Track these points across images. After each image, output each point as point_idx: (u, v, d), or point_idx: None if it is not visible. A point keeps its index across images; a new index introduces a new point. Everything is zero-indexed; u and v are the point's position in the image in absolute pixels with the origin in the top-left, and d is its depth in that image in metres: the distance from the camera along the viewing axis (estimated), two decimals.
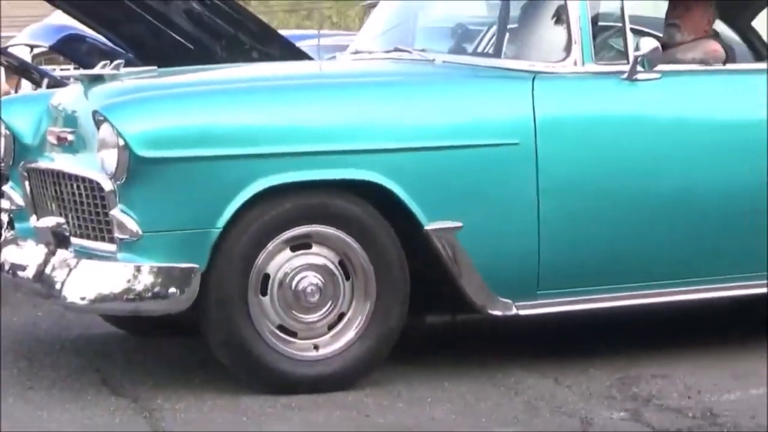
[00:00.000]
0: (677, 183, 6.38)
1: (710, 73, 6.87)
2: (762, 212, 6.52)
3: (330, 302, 5.98)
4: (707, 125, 6.57)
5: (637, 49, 6.34)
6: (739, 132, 6.56)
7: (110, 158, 5.74)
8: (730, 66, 7.13)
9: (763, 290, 6.68)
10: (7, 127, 6.81)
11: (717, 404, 5.73)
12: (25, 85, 11.73)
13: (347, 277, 6.00)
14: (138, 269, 5.75)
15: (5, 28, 23.45)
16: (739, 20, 7.85)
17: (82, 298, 5.84)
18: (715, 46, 7.07)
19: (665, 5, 7.55)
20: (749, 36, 7.82)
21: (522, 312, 6.22)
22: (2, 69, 12.24)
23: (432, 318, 6.74)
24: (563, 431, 5.34)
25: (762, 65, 7.26)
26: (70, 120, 6.33)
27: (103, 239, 5.97)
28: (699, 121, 6.58)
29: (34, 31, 12.47)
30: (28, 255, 6.37)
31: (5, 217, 6.84)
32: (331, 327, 6.00)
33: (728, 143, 6.51)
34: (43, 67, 11.37)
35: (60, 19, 12.67)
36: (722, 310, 7.40)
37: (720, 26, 7.80)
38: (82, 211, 6.12)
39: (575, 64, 6.35)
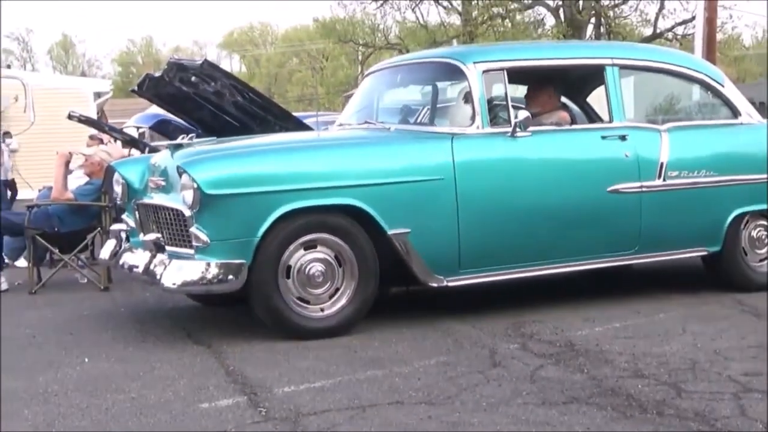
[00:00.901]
0: (542, 198, 6.38)
1: (563, 131, 6.89)
2: (595, 217, 6.57)
3: (330, 281, 5.97)
4: (561, 163, 6.59)
5: (516, 117, 6.37)
6: (580, 166, 6.59)
7: (188, 195, 5.76)
8: (574, 126, 7.17)
9: (598, 265, 6.73)
10: (123, 178, 6.81)
11: (574, 338, 5.75)
12: (135, 152, 11.68)
13: (340, 265, 5.99)
14: (208, 265, 5.75)
15: (122, 117, 23.37)
16: (578, 97, 7.87)
17: (174, 284, 5.83)
18: (564, 114, 7.11)
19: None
20: (585, 107, 7.84)
21: (450, 284, 6.22)
22: (120, 142, 12.23)
23: (394, 289, 6.74)
24: (478, 357, 5.36)
25: (594, 126, 7.28)
26: (163, 172, 6.32)
27: (185, 246, 5.95)
28: (556, 161, 6.58)
29: (139, 118, 12.48)
30: (139, 258, 6.35)
31: (124, 235, 6.81)
32: (331, 297, 5.98)
33: (574, 174, 6.54)
34: (145, 140, 11.33)
35: (155, 109, 12.61)
36: (576, 277, 7.43)
37: (565, 100, 7.85)
38: (172, 229, 6.11)
39: (478, 127, 6.35)
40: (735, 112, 7.27)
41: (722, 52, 27.23)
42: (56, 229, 8.60)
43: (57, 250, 8.57)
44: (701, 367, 4.95)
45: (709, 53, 17.62)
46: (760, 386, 4.56)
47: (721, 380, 4.70)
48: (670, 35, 30.89)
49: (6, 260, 9.11)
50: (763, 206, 7.08)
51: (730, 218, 6.95)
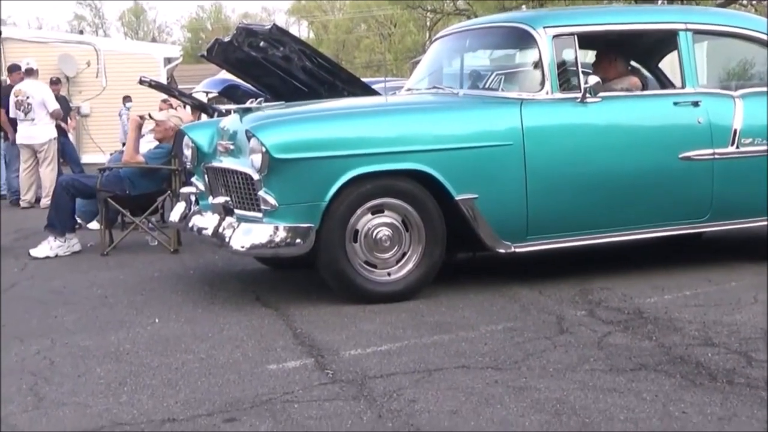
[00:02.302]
0: (613, 165, 6.32)
1: (633, 97, 6.81)
2: (666, 184, 6.49)
3: (397, 246, 5.97)
4: (632, 130, 6.51)
5: (586, 83, 6.30)
6: (651, 133, 6.51)
7: (257, 159, 5.78)
8: (646, 92, 7.07)
9: (668, 233, 6.66)
10: (193, 142, 6.87)
11: (642, 305, 5.70)
12: (203, 117, 11.78)
13: (407, 230, 6.00)
14: (276, 228, 5.78)
15: (192, 82, 23.54)
16: (650, 63, 7.75)
17: (242, 247, 5.88)
18: (635, 80, 7.01)
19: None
20: (657, 73, 7.72)
21: (517, 250, 6.19)
22: (189, 107, 12.33)
23: (461, 255, 6.73)
24: (545, 323, 5.34)
25: (665, 91, 7.18)
26: (232, 136, 6.36)
27: (254, 209, 6.00)
28: (627, 127, 6.50)
29: (207, 83, 12.50)
30: (208, 221, 6.40)
31: (193, 198, 6.88)
32: (398, 261, 5.99)
33: (645, 140, 6.46)
34: (214, 105, 11.39)
35: (224, 74, 12.68)
36: (646, 245, 7.35)
37: (636, 65, 7.74)
38: (241, 193, 6.16)
39: (547, 93, 6.30)
40: None
41: None
42: (127, 192, 8.71)
43: (128, 213, 8.69)
44: None
45: None
46: None
47: None
48: (744, 1, 30.23)
49: (79, 222, 9.27)
50: None
51: None
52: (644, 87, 7.03)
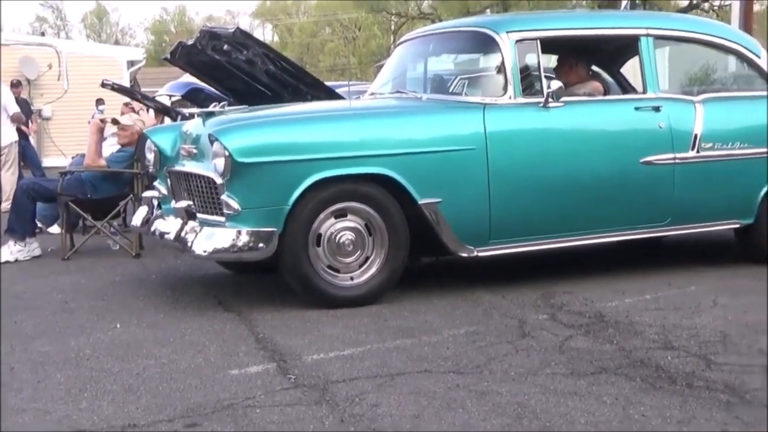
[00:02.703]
0: (575, 169, 6.36)
1: (595, 102, 6.86)
2: (628, 188, 6.54)
3: (360, 250, 5.98)
4: (594, 134, 6.55)
5: (548, 87, 6.34)
6: (613, 137, 6.56)
7: (220, 163, 5.77)
8: (607, 97, 7.12)
9: (630, 237, 6.71)
10: (155, 146, 6.84)
11: (603, 309, 5.74)
12: (167, 120, 11.73)
13: (370, 234, 6.00)
14: (239, 232, 5.77)
15: (155, 86, 23.43)
16: (612, 68, 7.82)
17: (205, 251, 5.86)
18: (597, 84, 7.06)
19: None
20: (619, 78, 7.79)
21: (480, 254, 6.22)
22: (152, 110, 12.27)
23: (424, 259, 6.74)
24: (507, 327, 5.37)
25: (626, 96, 7.23)
26: (195, 140, 6.33)
27: (216, 214, 5.98)
28: (589, 131, 6.55)
29: (171, 86, 12.46)
30: (170, 225, 6.36)
31: (155, 202, 6.85)
32: (360, 265, 6.00)
33: (607, 145, 6.51)
34: (177, 108, 11.35)
35: (187, 78, 12.62)
36: (607, 249, 7.42)
37: (598, 70, 7.80)
38: (203, 197, 6.14)
39: (510, 98, 6.33)
40: None
41: (759, 24, 26.90)
42: (89, 196, 8.66)
43: (89, 217, 8.63)
44: (731, 340, 4.92)
45: (746, 24, 17.42)
46: None
47: (751, 353, 4.68)
48: (706, 6, 30.54)
49: (39, 226, 9.20)
50: None
51: (763, 191, 6.89)
52: (606, 91, 7.09)
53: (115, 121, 9.32)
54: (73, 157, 10.87)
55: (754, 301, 5.87)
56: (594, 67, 7.46)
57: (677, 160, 6.61)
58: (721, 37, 7.22)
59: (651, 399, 4.02)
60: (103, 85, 10.41)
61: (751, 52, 7.22)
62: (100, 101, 21.73)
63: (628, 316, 5.51)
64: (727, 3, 26.45)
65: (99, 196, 8.70)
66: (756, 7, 23.29)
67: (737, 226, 6.96)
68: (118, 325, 5.66)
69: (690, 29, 7.22)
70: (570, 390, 4.16)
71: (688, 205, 6.70)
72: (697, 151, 6.68)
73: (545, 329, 5.26)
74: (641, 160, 6.52)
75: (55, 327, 5.70)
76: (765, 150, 6.86)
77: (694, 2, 30.46)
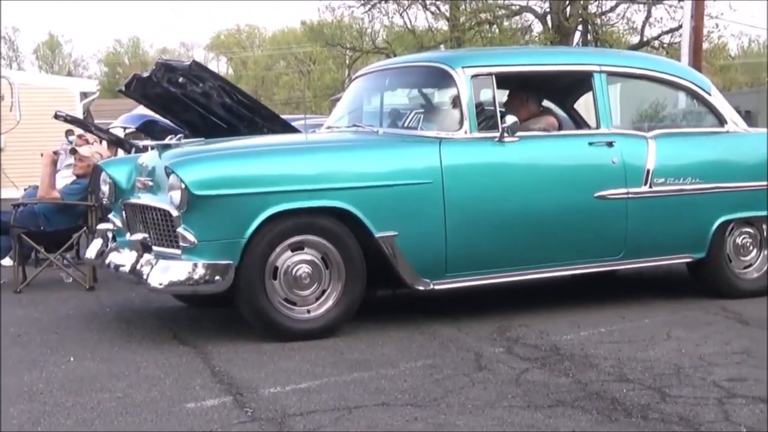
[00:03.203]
0: (529, 204, 6.41)
1: (550, 137, 6.93)
2: (582, 222, 6.60)
3: (316, 283, 5.97)
4: (549, 169, 6.61)
5: (503, 122, 6.39)
6: (567, 172, 6.61)
7: (176, 196, 5.75)
8: (562, 132, 7.20)
9: (584, 270, 6.77)
10: (110, 178, 6.81)
11: (559, 342, 5.78)
12: (120, 152, 11.69)
13: (327, 267, 6.00)
14: (195, 265, 5.75)
15: (109, 118, 23.29)
16: (566, 103, 7.90)
17: (160, 284, 5.83)
18: (552, 120, 7.13)
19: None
20: (572, 113, 7.87)
21: (437, 287, 6.24)
22: (106, 143, 12.22)
23: (381, 292, 6.74)
24: (464, 360, 5.38)
25: (580, 131, 7.30)
26: (150, 172, 6.32)
27: (172, 246, 5.96)
28: (544, 166, 6.60)
29: (125, 119, 12.43)
30: (125, 257, 6.34)
31: (110, 234, 6.80)
32: (317, 299, 5.99)
33: (561, 179, 6.56)
34: (132, 140, 11.32)
35: (142, 110, 12.60)
36: (562, 282, 7.47)
37: (550, 105, 7.89)
38: (159, 229, 6.11)
39: (466, 132, 6.38)
40: (721, 120, 7.32)
41: (708, 61, 27.33)
42: (42, 228, 8.59)
43: (42, 249, 8.55)
44: (686, 373, 4.97)
45: (696, 62, 17.71)
46: (744, 392, 4.59)
47: (705, 385, 4.73)
48: (656, 43, 30.96)
49: None
50: (748, 214, 7.12)
51: (715, 225, 6.99)
52: (560, 127, 7.16)
53: (73, 151, 9.27)
54: (25, 189, 10.77)
55: (707, 333, 5.94)
56: (545, 103, 7.54)
57: (630, 195, 6.69)
58: (672, 75, 7.34)
59: (607, 431, 4.05)
60: (57, 116, 10.35)
61: (701, 89, 7.35)
62: (69, 132, 21.53)
63: (583, 349, 5.55)
64: (677, 41, 26.84)
65: (52, 229, 8.64)
66: (705, 45, 23.66)
67: (690, 260, 7.04)
68: (72, 359, 5.60)
69: (642, 66, 7.33)
70: (527, 423, 4.18)
71: (641, 239, 6.78)
72: (650, 186, 6.76)
73: (501, 362, 5.28)
74: (595, 195, 6.59)
75: (8, 360, 5.62)
76: (715, 186, 6.96)
77: (645, 39, 30.89)
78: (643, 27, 31.16)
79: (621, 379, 4.87)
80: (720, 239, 7.06)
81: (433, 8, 32.73)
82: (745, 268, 7.26)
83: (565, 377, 4.94)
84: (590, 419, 4.21)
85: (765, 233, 7.30)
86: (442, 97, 6.82)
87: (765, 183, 7.13)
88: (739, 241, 7.21)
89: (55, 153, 9.16)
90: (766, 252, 7.31)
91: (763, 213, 7.19)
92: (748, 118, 10.12)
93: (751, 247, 7.26)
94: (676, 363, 5.18)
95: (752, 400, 4.45)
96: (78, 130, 14.79)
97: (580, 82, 7.34)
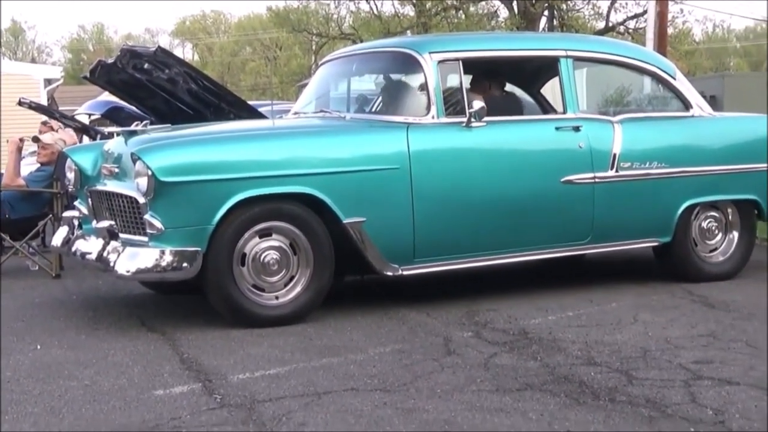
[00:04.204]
0: (497, 189, 6.43)
1: (517, 122, 6.96)
2: (549, 207, 6.63)
3: (285, 269, 5.98)
4: (516, 154, 6.63)
5: (470, 107, 6.40)
6: (534, 157, 6.64)
7: (143, 182, 5.72)
8: (529, 117, 7.23)
9: (552, 255, 6.80)
10: (76, 165, 6.76)
11: (527, 326, 5.81)
12: (85, 139, 11.59)
13: (295, 253, 6.00)
14: (163, 252, 5.73)
15: (73, 104, 23.05)
16: (532, 88, 7.94)
17: (128, 271, 5.80)
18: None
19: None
20: (539, 98, 7.91)
21: (405, 273, 6.25)
22: (71, 129, 12.10)
23: (349, 278, 6.75)
24: (433, 345, 5.39)
25: (547, 116, 7.35)
26: (117, 159, 6.28)
27: (139, 233, 5.92)
28: (511, 151, 6.62)
29: (90, 105, 12.30)
30: (91, 245, 6.29)
31: (76, 222, 6.76)
32: (286, 285, 6.00)
33: (528, 164, 6.59)
34: (97, 127, 11.21)
35: (107, 96, 12.49)
36: (530, 267, 7.51)
37: (518, 91, 7.91)
38: (126, 216, 6.08)
39: (433, 117, 6.39)
40: (686, 105, 7.37)
41: (673, 46, 27.47)
42: (7, 216, 8.51)
43: (7, 237, 8.48)
44: (652, 355, 5.01)
45: (661, 47, 17.78)
46: (710, 374, 4.64)
47: (671, 368, 4.77)
48: (622, 29, 31.09)
49: None
50: (714, 198, 7.19)
51: (681, 209, 7.04)
52: (521, 111, 7.16)
53: (35, 139, 9.19)
54: None
55: (673, 317, 5.99)
56: (508, 87, 7.55)
57: (597, 180, 6.73)
58: (637, 59, 7.38)
59: (575, 414, 4.08)
60: (20, 103, 10.24)
61: (666, 73, 7.39)
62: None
63: (551, 333, 5.58)
64: (642, 26, 26.95)
65: (17, 216, 8.56)
66: (670, 30, 23.79)
67: (656, 244, 7.09)
68: (39, 347, 5.56)
69: (608, 51, 7.36)
70: (496, 406, 4.20)
71: (607, 223, 6.82)
72: (616, 171, 6.80)
73: (470, 347, 5.30)
74: (562, 179, 6.62)
75: None
76: (681, 170, 7.01)
77: (610, 25, 31.00)
78: (609, 12, 31.30)
79: (589, 363, 4.90)
80: (686, 223, 7.12)
81: None
82: (711, 251, 7.33)
83: (534, 361, 4.97)
84: (558, 402, 4.24)
85: (730, 217, 7.37)
86: (409, 82, 6.81)
87: (730, 167, 7.19)
88: (704, 225, 7.27)
89: (21, 140, 9.06)
90: (731, 236, 7.38)
91: (729, 197, 7.25)
92: (713, 102, 10.20)
93: (717, 231, 7.32)
94: (642, 346, 5.22)
95: (718, 382, 4.49)
96: (42, 117, 14.65)
97: (547, 67, 7.37)
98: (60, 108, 19.41)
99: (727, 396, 4.29)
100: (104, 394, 4.53)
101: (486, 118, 6.42)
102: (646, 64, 7.38)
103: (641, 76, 7.55)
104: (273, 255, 5.93)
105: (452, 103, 6.59)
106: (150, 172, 5.65)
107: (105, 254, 6.04)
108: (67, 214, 7.00)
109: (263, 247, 5.92)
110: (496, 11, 32.70)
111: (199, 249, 5.73)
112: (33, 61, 63.85)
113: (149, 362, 5.12)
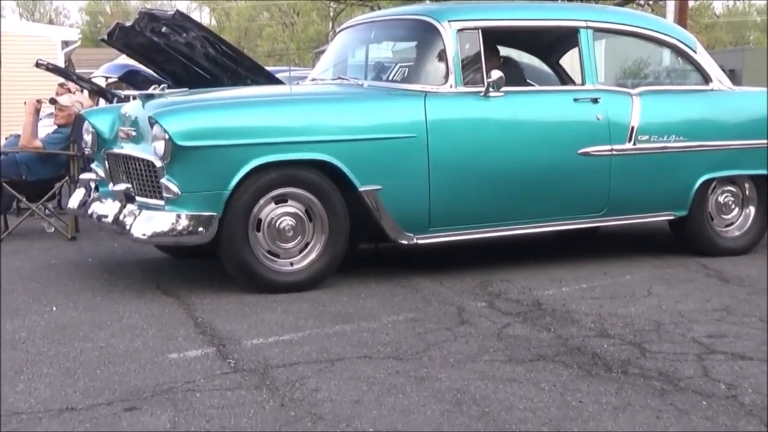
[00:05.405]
0: (513, 159, 6.42)
1: (535, 93, 6.96)
2: (565, 179, 6.61)
3: (300, 236, 5.99)
4: (533, 125, 6.61)
5: (489, 77, 6.38)
6: (552, 128, 6.62)
7: (160, 146, 5.73)
8: (547, 88, 7.20)
9: (567, 227, 6.79)
10: (93, 127, 6.77)
11: (541, 297, 5.81)
12: (102, 102, 11.60)
13: (310, 220, 6.01)
14: (179, 216, 5.74)
15: (90, 67, 23.05)
16: (551, 59, 7.90)
17: (144, 234, 5.83)
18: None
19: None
20: (557, 69, 7.88)
21: (420, 242, 6.26)
22: (87, 92, 12.12)
23: (364, 245, 6.75)
24: (446, 314, 5.40)
25: (565, 87, 7.33)
26: (134, 122, 6.29)
27: (156, 197, 5.94)
28: (528, 122, 6.60)
29: (107, 68, 12.32)
30: (108, 208, 6.32)
31: (93, 184, 6.78)
32: (301, 251, 6.01)
33: (545, 135, 6.57)
34: (113, 90, 11.24)
35: (124, 59, 12.50)
36: (545, 238, 7.50)
37: (536, 61, 7.88)
38: (142, 180, 6.09)
39: (451, 86, 6.37)
40: (706, 78, 7.32)
41: (693, 20, 27.30)
42: (24, 177, 8.55)
43: (24, 199, 8.52)
44: (665, 329, 5.01)
45: (681, 20, 17.68)
46: (723, 348, 4.64)
47: (684, 341, 4.77)
48: (642, 1, 30.88)
49: None
50: (731, 172, 7.16)
51: (698, 183, 7.02)
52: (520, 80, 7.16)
53: (52, 101, 9.21)
54: (7, 138, 10.70)
55: (687, 291, 5.98)
56: (504, 55, 7.50)
57: (614, 152, 6.70)
58: (658, 32, 7.32)
59: (587, 386, 4.08)
60: (38, 65, 10.28)
61: (687, 46, 7.33)
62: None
63: (564, 305, 5.59)
64: None
65: (34, 178, 8.60)
66: (690, 3, 23.62)
67: (672, 218, 7.07)
68: (54, 308, 5.60)
69: (628, 23, 7.30)
70: (508, 376, 4.21)
71: (624, 196, 6.80)
72: (634, 144, 6.77)
73: (483, 316, 5.31)
74: (579, 151, 6.59)
75: None
76: (699, 144, 6.98)
77: None
78: None
79: (602, 335, 4.91)
80: (702, 197, 7.09)
81: None
82: (727, 226, 7.31)
83: (547, 332, 4.98)
84: (571, 374, 4.25)
85: (747, 192, 7.34)
86: (428, 50, 6.77)
87: (749, 142, 7.16)
88: (721, 199, 7.24)
89: (39, 102, 9.08)
90: (747, 210, 7.35)
91: (746, 172, 7.22)
92: (732, 76, 10.12)
93: (733, 206, 7.30)
94: (656, 319, 5.22)
95: (731, 357, 4.49)
96: (59, 79, 14.68)
97: (567, 38, 7.32)
98: (77, 70, 19.44)
99: (739, 370, 4.29)
100: (119, 356, 4.56)
101: (504, 88, 6.39)
102: (666, 36, 7.32)
103: (661, 48, 7.49)
104: (288, 221, 5.94)
105: (471, 72, 6.55)
106: (167, 136, 5.65)
107: (121, 217, 6.07)
108: (83, 176, 7.04)
109: (279, 213, 5.93)
110: None
111: (215, 214, 5.74)
112: (50, 22, 63.82)
113: (164, 325, 5.15)
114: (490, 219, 6.50)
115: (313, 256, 6.03)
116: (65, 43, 24.83)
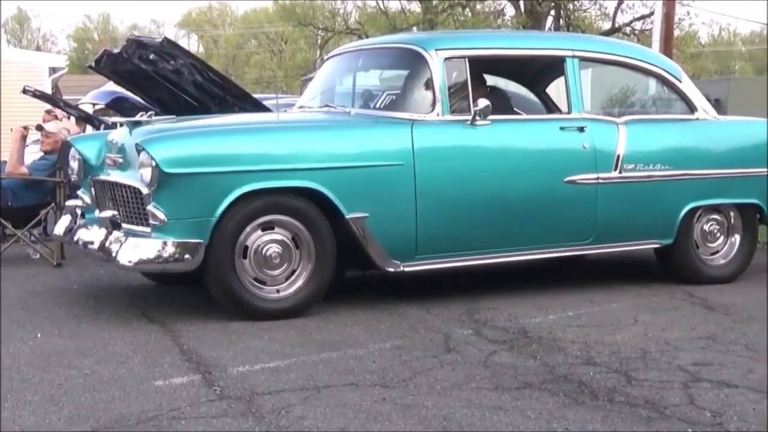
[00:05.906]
0: (500, 187, 6.44)
1: (522, 121, 6.99)
2: (552, 207, 6.63)
3: (286, 263, 5.98)
4: (520, 153, 6.63)
5: (476, 105, 6.40)
6: (538, 156, 6.64)
7: (146, 173, 5.73)
8: (534, 116, 7.23)
9: (553, 255, 6.81)
10: (80, 154, 6.77)
11: (527, 325, 5.82)
12: (88, 129, 11.60)
13: (297, 247, 6.01)
14: (165, 243, 5.73)
15: (77, 94, 23.05)
16: (538, 87, 7.94)
17: (130, 261, 5.81)
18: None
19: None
20: (544, 97, 7.91)
21: (406, 269, 6.26)
22: (74, 119, 12.13)
23: (350, 273, 6.75)
24: (433, 341, 5.40)
25: (552, 116, 7.37)
26: (120, 149, 6.28)
27: (142, 224, 5.93)
28: (515, 150, 6.62)
29: (95, 95, 12.33)
30: (94, 234, 6.31)
31: (79, 211, 6.77)
32: (287, 278, 6.01)
33: (532, 163, 6.59)
34: (100, 117, 11.23)
35: (111, 86, 12.50)
36: (531, 266, 7.51)
37: (522, 90, 7.92)
38: (129, 207, 6.09)
39: (438, 115, 6.39)
40: (691, 108, 7.37)
41: (679, 49, 27.47)
42: (9, 204, 8.53)
43: (10, 225, 8.50)
44: (651, 357, 5.02)
45: (667, 49, 17.81)
46: (709, 376, 4.65)
47: (670, 369, 4.78)
48: (628, 30, 31.10)
49: None
50: (716, 201, 7.19)
51: (683, 212, 7.05)
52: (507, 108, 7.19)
53: (39, 128, 9.20)
54: None
55: (673, 318, 6.00)
56: (491, 84, 7.54)
57: (600, 180, 6.73)
58: (643, 61, 7.38)
59: (574, 414, 4.08)
60: (25, 91, 10.28)
61: (672, 75, 7.39)
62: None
63: (551, 332, 5.59)
64: (648, 27, 26.94)
65: (20, 204, 8.58)
66: (676, 33, 23.79)
67: (658, 246, 7.10)
68: (39, 335, 5.58)
69: (614, 52, 7.35)
70: (495, 404, 4.21)
71: (610, 224, 6.82)
72: (620, 172, 6.81)
73: (470, 344, 5.31)
74: (565, 180, 6.62)
75: None
76: (684, 172, 7.02)
77: (617, 25, 31.01)
78: (615, 13, 31.34)
79: (588, 363, 4.91)
80: (688, 226, 7.13)
81: None
82: (712, 254, 7.35)
83: (533, 360, 4.98)
84: (557, 402, 4.25)
85: (732, 220, 7.38)
86: (415, 79, 6.80)
87: (734, 171, 7.21)
88: (706, 227, 7.28)
89: (25, 128, 9.08)
90: (732, 239, 7.39)
91: (731, 200, 7.26)
92: (718, 105, 10.18)
93: (719, 234, 7.34)
94: (642, 347, 5.23)
95: (716, 384, 4.50)
96: (46, 106, 14.68)
97: (553, 67, 7.36)
98: (64, 97, 19.44)
99: (725, 398, 4.29)
100: (104, 383, 4.54)
101: (490, 117, 6.42)
102: (651, 65, 7.38)
103: (647, 77, 7.55)
104: (275, 248, 5.94)
105: (457, 100, 6.58)
106: (154, 163, 5.66)
107: (107, 244, 6.06)
108: (70, 203, 7.02)
109: (265, 240, 5.93)
110: (502, 9, 32.75)
111: (202, 241, 5.74)
112: (38, 49, 63.89)
113: (149, 353, 5.14)
114: (477, 247, 6.51)
115: (299, 283, 6.03)
116: (52, 70, 24.87)
